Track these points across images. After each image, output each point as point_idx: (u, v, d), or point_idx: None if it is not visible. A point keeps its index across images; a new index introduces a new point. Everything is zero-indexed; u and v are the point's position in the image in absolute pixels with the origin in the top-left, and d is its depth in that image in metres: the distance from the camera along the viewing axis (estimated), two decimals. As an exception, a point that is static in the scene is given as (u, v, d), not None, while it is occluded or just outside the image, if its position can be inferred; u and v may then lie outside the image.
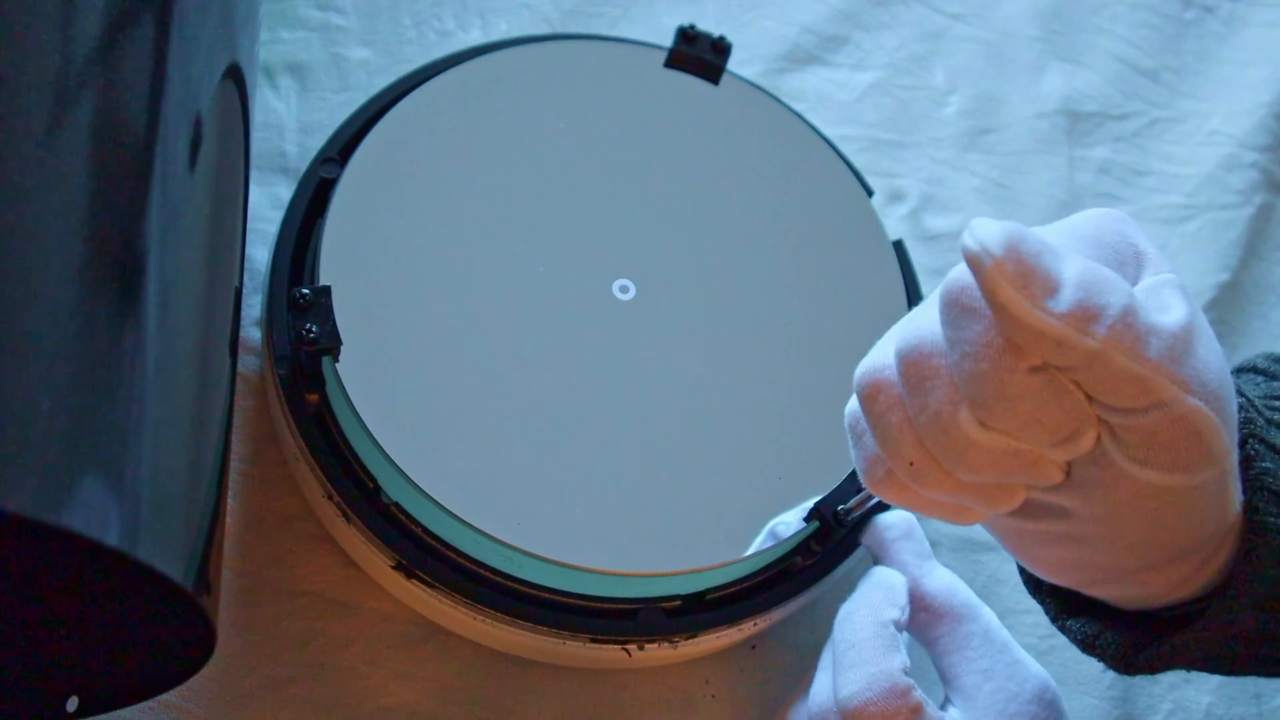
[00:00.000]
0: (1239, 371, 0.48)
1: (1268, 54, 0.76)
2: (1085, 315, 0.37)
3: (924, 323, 0.40)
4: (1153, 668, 0.45)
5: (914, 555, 0.52)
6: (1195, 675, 0.60)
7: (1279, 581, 0.42)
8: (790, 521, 0.53)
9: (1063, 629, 0.47)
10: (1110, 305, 0.37)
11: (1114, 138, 0.73)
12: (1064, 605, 0.47)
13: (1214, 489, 0.40)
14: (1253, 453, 0.42)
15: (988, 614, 0.52)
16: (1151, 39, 0.75)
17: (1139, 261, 0.40)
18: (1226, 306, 0.70)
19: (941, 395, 0.39)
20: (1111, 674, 0.60)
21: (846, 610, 0.50)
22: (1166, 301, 0.39)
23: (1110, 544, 0.41)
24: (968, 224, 0.37)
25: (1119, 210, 0.41)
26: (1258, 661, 0.45)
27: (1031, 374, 0.38)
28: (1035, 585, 0.48)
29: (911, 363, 0.40)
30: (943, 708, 0.50)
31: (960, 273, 0.38)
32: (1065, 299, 0.37)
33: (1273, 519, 0.41)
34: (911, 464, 0.41)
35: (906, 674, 0.48)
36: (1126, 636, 0.45)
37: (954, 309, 0.38)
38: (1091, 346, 0.37)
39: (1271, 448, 0.42)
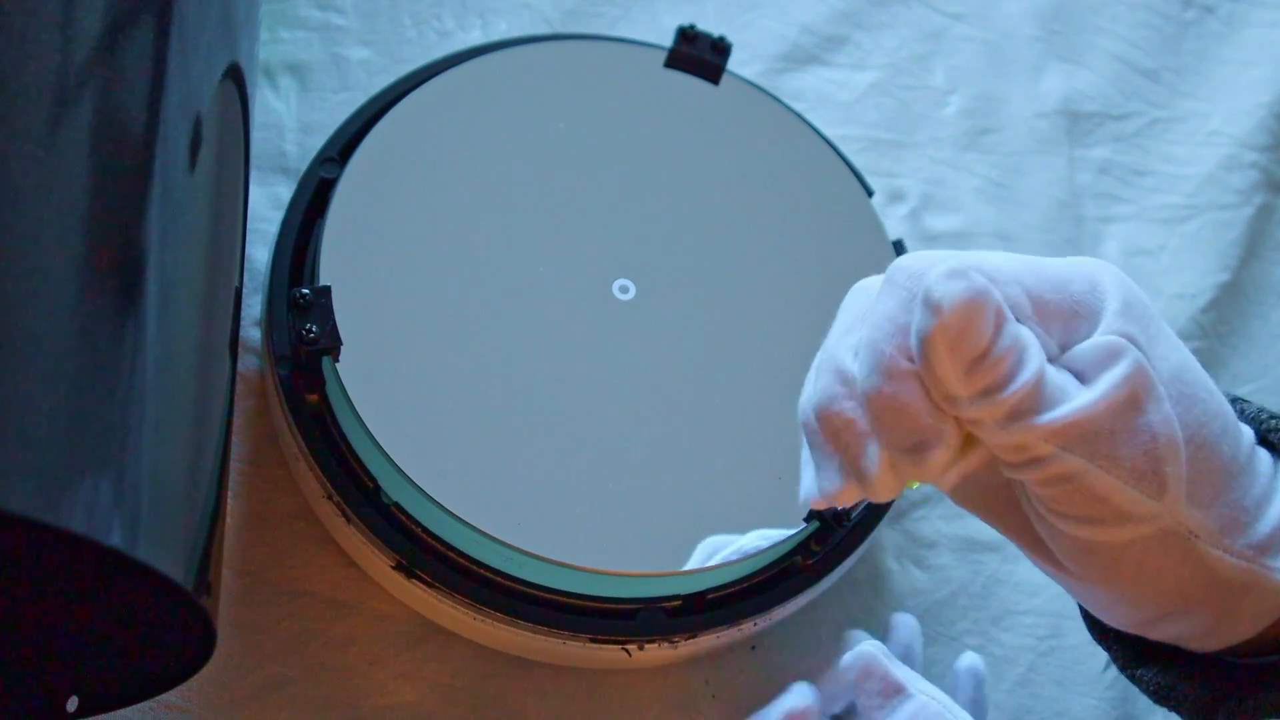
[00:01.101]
0: None
1: (1268, 54, 0.76)
2: (994, 386, 0.37)
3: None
4: None
5: (876, 695, 0.51)
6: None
7: None
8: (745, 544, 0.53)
9: (1133, 679, 0.46)
10: (1019, 379, 0.37)
11: (1114, 138, 0.73)
12: (1132, 652, 0.46)
13: (1163, 547, 0.39)
14: None
15: None
16: (1151, 39, 0.75)
17: (1094, 319, 0.40)
18: (1226, 306, 0.70)
19: (846, 325, 0.41)
20: (1112, 673, 0.60)
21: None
22: (1091, 369, 0.39)
23: (1106, 594, 0.41)
24: (942, 270, 0.37)
25: (1112, 264, 0.41)
26: None
27: (906, 365, 0.38)
28: (1100, 631, 0.47)
29: (855, 292, 0.42)
30: None
31: (912, 260, 0.39)
32: (980, 372, 0.37)
33: None
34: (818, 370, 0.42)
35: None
36: (1204, 689, 0.43)
37: (887, 279, 0.39)
38: (980, 415, 0.37)
39: None
